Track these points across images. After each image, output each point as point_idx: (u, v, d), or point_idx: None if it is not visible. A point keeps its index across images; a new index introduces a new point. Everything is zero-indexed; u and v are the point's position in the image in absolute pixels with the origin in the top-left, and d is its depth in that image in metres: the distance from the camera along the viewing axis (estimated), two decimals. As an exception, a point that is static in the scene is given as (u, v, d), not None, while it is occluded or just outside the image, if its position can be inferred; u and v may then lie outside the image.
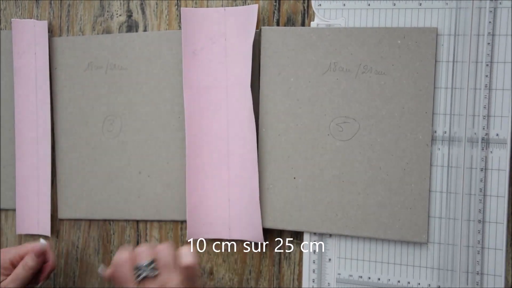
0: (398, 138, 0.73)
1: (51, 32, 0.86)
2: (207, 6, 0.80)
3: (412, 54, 0.72)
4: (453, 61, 0.71)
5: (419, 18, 0.72)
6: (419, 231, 0.73)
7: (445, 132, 0.72)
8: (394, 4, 0.73)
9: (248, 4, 0.78)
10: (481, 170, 0.71)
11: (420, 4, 0.72)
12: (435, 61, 0.71)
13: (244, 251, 0.81)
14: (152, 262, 0.65)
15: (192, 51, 0.79)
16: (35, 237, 0.88)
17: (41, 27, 0.85)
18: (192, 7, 0.80)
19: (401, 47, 0.72)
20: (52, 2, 0.86)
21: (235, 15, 0.78)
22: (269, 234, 0.80)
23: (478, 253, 0.72)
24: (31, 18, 0.86)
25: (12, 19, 0.86)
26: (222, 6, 0.79)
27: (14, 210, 0.89)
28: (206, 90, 0.80)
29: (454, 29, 0.71)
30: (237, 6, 0.79)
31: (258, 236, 0.79)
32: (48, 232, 0.87)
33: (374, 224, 0.74)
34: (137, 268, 0.65)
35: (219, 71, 0.79)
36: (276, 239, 0.80)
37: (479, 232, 0.72)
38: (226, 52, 0.78)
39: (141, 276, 0.65)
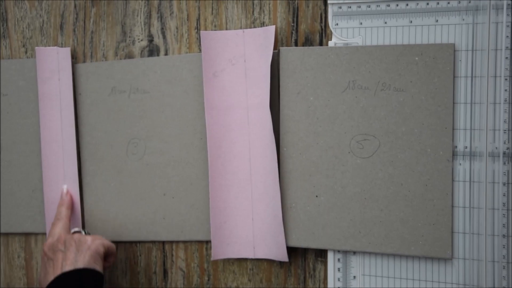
0: (418, 154, 0.73)
1: (75, 58, 0.88)
2: (226, 29, 0.81)
3: (430, 70, 0.72)
4: (472, 76, 0.71)
5: (436, 35, 0.72)
6: (443, 247, 0.73)
7: (466, 147, 0.72)
8: (411, 21, 0.73)
9: (266, 26, 0.79)
10: (504, 185, 0.71)
11: (437, 21, 0.72)
12: (454, 77, 0.71)
13: (269, 270, 0.82)
14: None
15: (213, 73, 0.80)
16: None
17: (64, 53, 0.87)
18: (212, 30, 0.82)
19: (419, 64, 0.72)
20: (76, 29, 0.88)
21: (254, 37, 0.79)
22: (293, 252, 0.80)
23: (504, 268, 0.71)
24: (55, 46, 0.88)
25: (36, 47, 0.88)
26: (241, 27, 0.80)
27: (44, 234, 0.91)
28: (227, 111, 0.81)
29: (472, 44, 0.71)
30: (255, 27, 0.80)
31: (283, 255, 0.79)
32: (76, 255, 0.89)
33: (397, 241, 0.74)
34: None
35: (239, 92, 0.80)
36: (300, 258, 0.80)
37: (504, 247, 0.71)
38: (245, 73, 0.79)
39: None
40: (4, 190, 0.91)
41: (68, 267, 0.75)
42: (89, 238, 0.79)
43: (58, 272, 0.75)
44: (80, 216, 0.88)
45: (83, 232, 0.83)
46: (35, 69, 0.89)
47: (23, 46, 0.90)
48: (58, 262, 0.77)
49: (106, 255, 0.81)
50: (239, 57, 0.80)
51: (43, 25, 0.89)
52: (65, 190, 0.87)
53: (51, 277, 0.76)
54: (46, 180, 0.89)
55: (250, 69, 0.79)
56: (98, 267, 0.77)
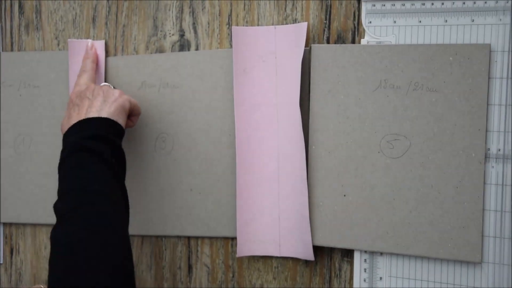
0: (450, 156, 0.72)
1: (106, 52, 0.88)
2: (258, 25, 0.81)
3: (465, 70, 0.71)
4: (507, 78, 0.70)
5: (472, 35, 0.71)
6: (472, 251, 0.72)
7: (499, 150, 0.71)
8: (446, 21, 0.72)
9: (298, 22, 0.79)
10: (537, 189, 0.69)
11: (473, 20, 0.71)
12: (488, 78, 0.70)
13: (294, 268, 0.81)
14: None
15: (243, 69, 0.80)
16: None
17: (98, 47, 0.88)
18: (243, 25, 0.82)
19: (453, 64, 0.71)
20: (108, 22, 0.88)
21: (285, 33, 0.79)
22: (319, 251, 0.80)
23: (535, 274, 0.70)
24: (88, 38, 0.89)
25: (68, 39, 0.89)
26: (272, 24, 0.80)
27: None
28: (257, 108, 0.80)
29: (508, 45, 0.70)
30: (287, 24, 0.79)
31: (309, 254, 0.78)
32: (102, 247, 0.89)
33: (425, 243, 0.73)
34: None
35: (269, 89, 0.80)
36: (326, 257, 0.80)
37: (535, 253, 0.70)
38: (276, 70, 0.79)
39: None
40: (33, 181, 0.92)
41: (92, 114, 0.75)
42: (117, 92, 0.79)
43: (82, 117, 0.76)
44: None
45: (111, 87, 0.82)
46: (67, 61, 0.89)
47: (56, 38, 0.91)
48: (83, 108, 0.77)
49: (131, 114, 0.81)
50: (270, 54, 0.79)
51: (75, 18, 0.90)
52: (90, 44, 0.88)
53: (74, 120, 0.76)
54: (75, 172, 0.90)
55: (281, 66, 0.79)
56: (121, 121, 0.77)
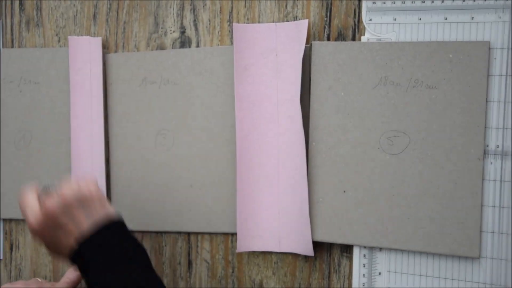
0: (449, 152, 0.73)
1: (107, 48, 0.89)
2: (259, 22, 0.82)
3: (464, 68, 0.71)
4: (506, 75, 0.71)
5: (471, 32, 0.72)
6: (471, 246, 0.72)
7: (498, 146, 0.72)
8: (446, 18, 0.73)
9: (299, 20, 0.79)
10: (535, 185, 0.70)
11: (472, 18, 0.72)
12: (488, 75, 0.71)
13: (294, 264, 0.82)
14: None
15: (244, 66, 0.81)
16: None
17: (96, 44, 0.88)
18: (244, 23, 0.82)
19: (452, 61, 0.72)
20: (109, 19, 0.89)
21: (286, 31, 0.79)
22: (319, 247, 0.80)
23: (532, 269, 0.71)
24: (88, 35, 0.89)
25: (69, 36, 0.89)
26: (273, 21, 0.81)
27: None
28: (257, 105, 0.81)
29: (508, 42, 0.71)
30: (288, 21, 0.80)
31: (308, 249, 0.79)
32: (102, 243, 0.89)
33: (424, 238, 0.74)
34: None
35: (270, 86, 0.80)
36: (326, 252, 0.80)
37: (533, 248, 0.71)
38: (277, 67, 0.80)
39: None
40: (33, 177, 0.92)
41: None
42: None
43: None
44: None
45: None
46: (67, 58, 0.89)
47: (56, 35, 0.91)
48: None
49: None
50: (271, 51, 0.80)
51: (76, 15, 0.90)
52: None
53: None
54: (75, 169, 0.90)
55: (282, 63, 0.79)
56: None
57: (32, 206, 0.71)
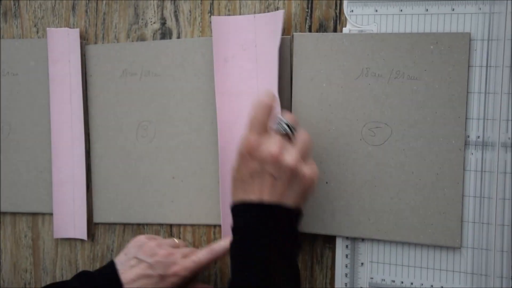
0: (430, 143, 0.73)
1: (86, 40, 0.88)
2: (240, 13, 0.81)
3: (445, 59, 0.72)
4: (487, 66, 0.71)
5: (452, 23, 0.72)
6: (452, 236, 0.73)
7: (479, 137, 0.72)
8: (427, 10, 0.73)
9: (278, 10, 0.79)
10: (515, 175, 0.71)
11: (453, 9, 0.72)
12: (468, 66, 0.71)
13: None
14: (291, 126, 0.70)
15: (224, 58, 0.80)
16: (71, 241, 0.90)
17: (74, 35, 0.87)
18: (225, 14, 0.82)
19: (433, 52, 0.72)
20: (88, 10, 0.87)
21: (264, 22, 0.79)
22: (301, 238, 0.80)
23: (512, 258, 0.72)
24: (67, 27, 0.88)
25: (47, 28, 0.88)
26: (254, 12, 0.80)
27: (51, 214, 0.91)
28: (238, 96, 0.81)
29: (488, 34, 0.71)
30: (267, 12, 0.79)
31: (291, 240, 0.79)
32: (84, 236, 0.89)
33: (406, 229, 0.75)
34: (280, 120, 0.70)
35: (250, 77, 0.80)
36: (308, 244, 0.80)
37: (513, 237, 0.71)
38: (256, 58, 0.79)
39: (283, 128, 0.69)
40: (13, 170, 0.91)
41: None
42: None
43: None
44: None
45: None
46: (46, 49, 0.88)
47: (35, 26, 0.90)
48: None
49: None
50: (250, 43, 0.80)
51: (55, 6, 0.89)
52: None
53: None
54: (55, 161, 0.89)
55: (261, 54, 0.79)
56: None
57: (276, 138, 0.68)
